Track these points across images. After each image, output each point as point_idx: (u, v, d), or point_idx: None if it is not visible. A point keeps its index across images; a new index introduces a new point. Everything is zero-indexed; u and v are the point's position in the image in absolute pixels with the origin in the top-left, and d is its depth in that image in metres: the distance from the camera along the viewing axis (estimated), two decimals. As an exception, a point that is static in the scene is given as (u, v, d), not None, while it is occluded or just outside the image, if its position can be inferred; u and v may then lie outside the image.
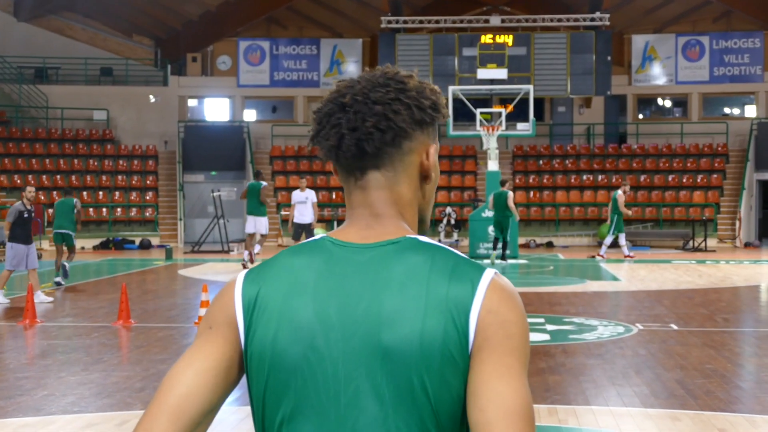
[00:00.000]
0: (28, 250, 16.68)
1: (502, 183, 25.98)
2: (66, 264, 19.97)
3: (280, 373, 1.76)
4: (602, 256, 27.11)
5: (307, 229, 23.26)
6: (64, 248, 20.11)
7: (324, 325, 1.75)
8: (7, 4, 38.27)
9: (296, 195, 23.45)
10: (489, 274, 1.76)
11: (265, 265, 1.85)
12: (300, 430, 1.74)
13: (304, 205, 23.30)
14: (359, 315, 1.74)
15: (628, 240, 33.08)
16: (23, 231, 16.73)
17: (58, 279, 19.56)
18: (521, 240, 29.94)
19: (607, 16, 35.23)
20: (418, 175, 1.88)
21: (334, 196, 35.48)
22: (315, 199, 23.66)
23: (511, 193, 25.87)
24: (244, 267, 22.61)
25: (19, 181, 34.75)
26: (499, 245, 25.60)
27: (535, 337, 12.51)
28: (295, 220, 23.43)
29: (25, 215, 16.82)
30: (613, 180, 36.13)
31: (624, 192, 26.99)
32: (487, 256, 27.05)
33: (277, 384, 1.77)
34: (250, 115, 39.64)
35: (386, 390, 1.71)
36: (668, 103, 40.64)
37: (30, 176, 35.47)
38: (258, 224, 23.26)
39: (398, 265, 1.77)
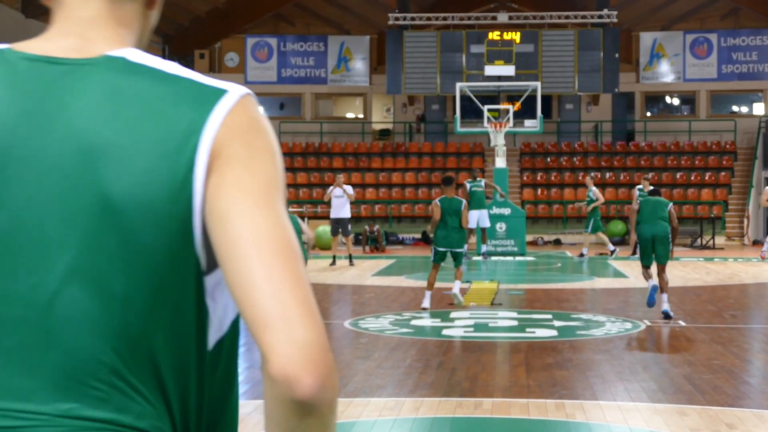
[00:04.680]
0: None
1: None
2: None
3: None
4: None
5: (343, 224, 23.11)
6: None
7: None
8: (16, 1, 38.35)
9: (335, 191, 23.28)
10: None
11: None
12: None
13: (341, 199, 23.16)
14: None
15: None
16: None
17: None
18: (529, 237, 29.90)
19: (615, 13, 35.18)
20: None
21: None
22: (352, 194, 23.52)
23: (633, 192, 26.44)
24: None
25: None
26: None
27: (542, 333, 12.52)
28: (333, 215, 23.33)
29: None
30: (621, 178, 36.07)
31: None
32: (495, 253, 26.99)
33: None
34: (257, 112, 39.62)
35: None
36: (676, 101, 40.57)
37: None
38: None
39: None
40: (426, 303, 14.58)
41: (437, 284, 15.38)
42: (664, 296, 13.88)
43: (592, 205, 25.84)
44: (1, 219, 1.46)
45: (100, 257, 1.42)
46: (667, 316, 13.69)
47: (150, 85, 1.47)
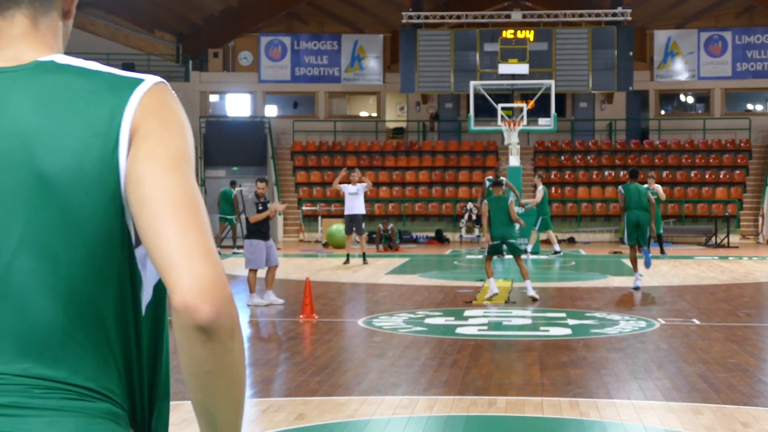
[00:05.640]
0: (267, 247, 15.34)
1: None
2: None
3: None
4: None
5: (357, 222, 23.19)
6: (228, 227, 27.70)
7: None
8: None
9: (348, 187, 23.38)
10: None
11: None
12: None
13: (355, 196, 23.24)
14: None
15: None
16: (260, 225, 15.31)
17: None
18: (543, 236, 29.84)
19: (629, 11, 35.11)
20: None
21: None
22: (367, 191, 23.64)
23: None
24: None
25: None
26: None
27: (556, 331, 12.50)
28: (347, 212, 23.41)
29: (260, 208, 15.36)
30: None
31: None
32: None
33: None
34: (271, 111, 39.69)
35: None
36: (690, 99, 40.45)
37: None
38: None
39: None
40: (494, 289, 16.04)
41: (452, 282, 15.36)
42: (637, 274, 17.26)
43: (527, 202, 26.60)
44: None
45: (44, 227, 1.63)
46: (636, 289, 17.10)
47: (76, 80, 1.71)
